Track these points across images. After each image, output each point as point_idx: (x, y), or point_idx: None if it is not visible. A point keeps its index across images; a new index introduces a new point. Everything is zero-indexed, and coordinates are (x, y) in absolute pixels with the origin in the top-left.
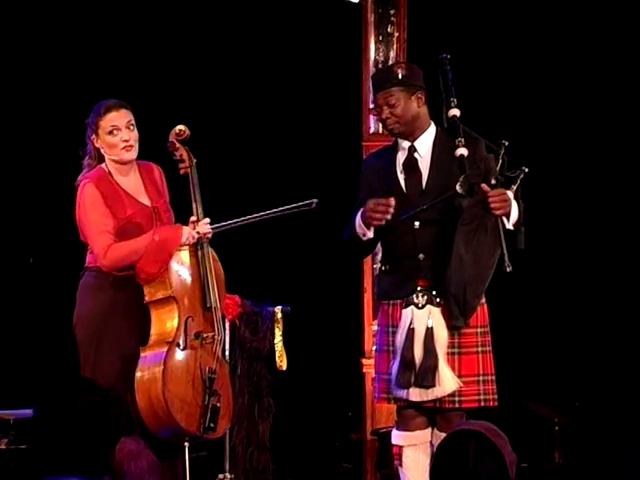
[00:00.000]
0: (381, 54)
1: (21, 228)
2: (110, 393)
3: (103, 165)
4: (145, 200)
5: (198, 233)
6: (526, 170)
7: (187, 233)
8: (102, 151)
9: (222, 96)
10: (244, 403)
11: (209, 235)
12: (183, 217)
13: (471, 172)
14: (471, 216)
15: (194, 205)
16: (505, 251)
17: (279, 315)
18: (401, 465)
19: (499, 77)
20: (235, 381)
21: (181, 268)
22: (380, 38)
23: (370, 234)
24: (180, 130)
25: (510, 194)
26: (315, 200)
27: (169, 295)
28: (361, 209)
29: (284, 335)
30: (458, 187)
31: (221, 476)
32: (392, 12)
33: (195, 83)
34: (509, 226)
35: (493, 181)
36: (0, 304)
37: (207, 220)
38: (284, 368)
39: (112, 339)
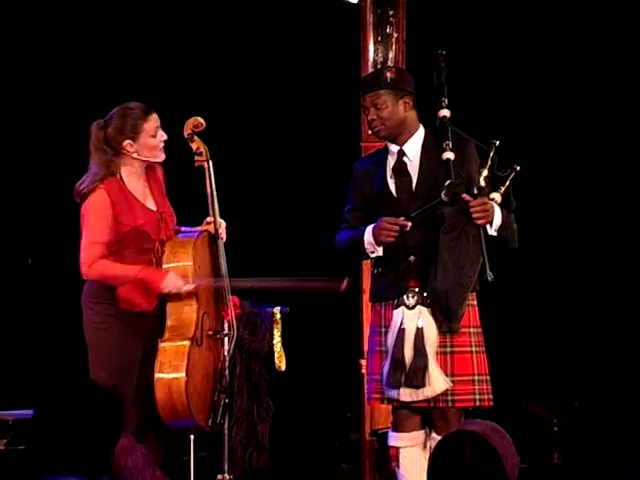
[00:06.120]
0: (380, 55)
1: (20, 228)
2: (110, 393)
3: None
4: (151, 205)
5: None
6: (518, 169)
7: (171, 284)
8: (134, 155)
9: (221, 96)
10: (243, 404)
11: (223, 236)
12: (189, 214)
13: (455, 180)
14: (453, 224)
15: (210, 202)
16: (486, 260)
17: (278, 316)
18: (398, 466)
19: (499, 77)
20: (234, 381)
21: (202, 265)
22: (379, 39)
23: (380, 252)
24: (197, 122)
25: (498, 197)
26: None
27: (190, 290)
28: (370, 227)
29: (283, 336)
30: (443, 195)
31: (220, 477)
32: (391, 13)
33: (192, 84)
34: (492, 232)
35: (475, 190)
36: (0, 305)
37: (224, 224)
38: (283, 369)
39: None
